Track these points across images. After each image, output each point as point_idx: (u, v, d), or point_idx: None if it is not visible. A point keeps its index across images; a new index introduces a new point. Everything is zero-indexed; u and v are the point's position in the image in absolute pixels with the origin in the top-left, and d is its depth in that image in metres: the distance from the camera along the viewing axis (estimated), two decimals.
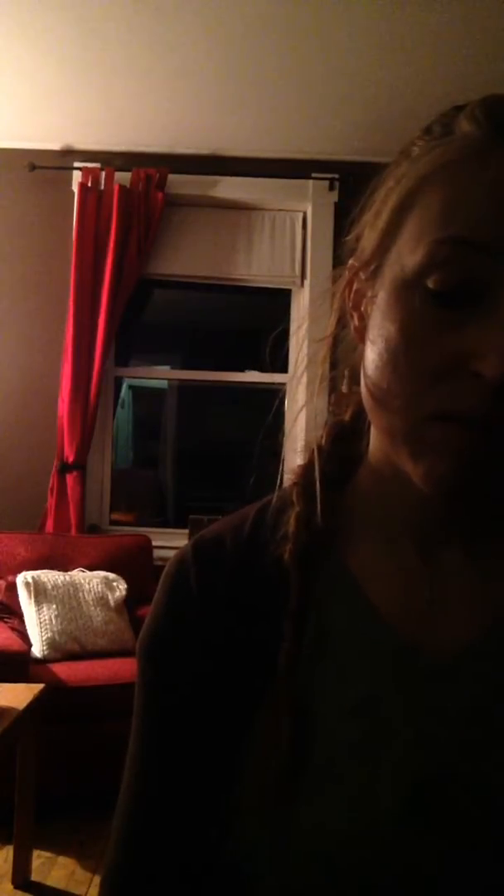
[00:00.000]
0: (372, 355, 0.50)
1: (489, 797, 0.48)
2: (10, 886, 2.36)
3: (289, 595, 0.53)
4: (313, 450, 0.59)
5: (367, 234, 0.53)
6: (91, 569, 3.40)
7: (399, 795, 0.48)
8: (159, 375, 4.84)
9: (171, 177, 3.82)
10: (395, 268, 0.49)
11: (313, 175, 3.88)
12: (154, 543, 3.67)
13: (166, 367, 4.77)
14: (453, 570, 0.54)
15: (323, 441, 0.59)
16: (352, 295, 0.55)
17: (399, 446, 0.49)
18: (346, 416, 0.61)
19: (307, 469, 0.59)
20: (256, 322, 4.65)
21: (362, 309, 0.54)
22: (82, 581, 3.29)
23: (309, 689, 0.52)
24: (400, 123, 3.43)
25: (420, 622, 0.52)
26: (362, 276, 0.53)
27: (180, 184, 3.86)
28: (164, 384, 5.05)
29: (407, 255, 0.48)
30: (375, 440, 0.56)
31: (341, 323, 0.57)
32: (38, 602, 3.13)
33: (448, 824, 0.48)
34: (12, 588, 3.23)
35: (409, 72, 3.13)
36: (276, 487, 0.61)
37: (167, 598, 0.58)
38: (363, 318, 0.54)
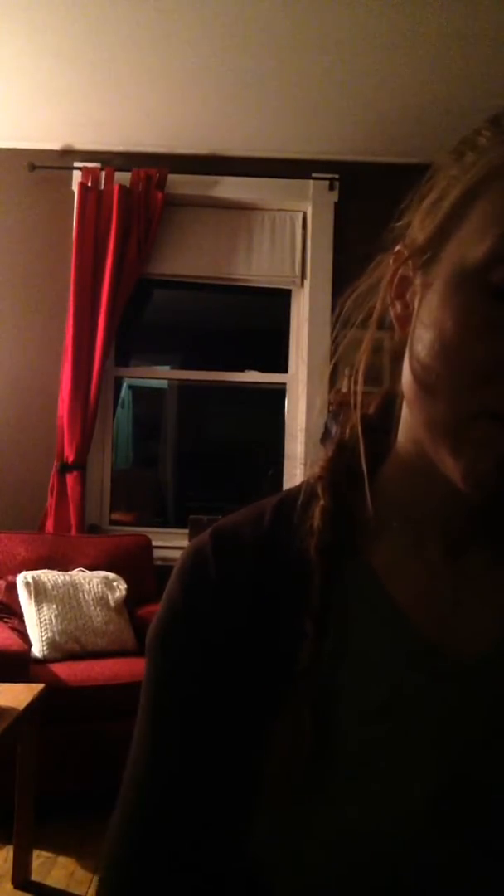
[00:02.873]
0: (422, 345, 0.48)
1: None
2: (10, 886, 2.36)
3: (311, 591, 0.52)
4: (339, 444, 0.58)
5: (423, 221, 0.51)
6: (91, 569, 3.40)
7: (425, 796, 0.48)
8: (159, 375, 4.83)
9: (171, 177, 3.82)
10: (454, 258, 0.48)
11: (313, 175, 3.88)
12: (154, 543, 3.67)
13: (166, 367, 4.76)
14: (479, 571, 0.53)
15: (348, 435, 0.57)
16: (396, 282, 0.53)
17: (439, 441, 0.48)
18: (371, 410, 0.59)
19: (333, 463, 0.57)
20: (256, 322, 4.66)
21: (406, 297, 0.52)
22: (82, 581, 3.29)
23: (331, 687, 0.51)
24: (400, 123, 3.44)
25: (444, 622, 0.52)
26: (411, 263, 0.52)
27: (180, 184, 3.86)
28: (164, 384, 5.05)
29: (469, 246, 0.47)
30: (409, 434, 0.54)
31: (344, 314, 0.56)
32: (38, 602, 3.13)
33: (474, 824, 0.47)
34: (12, 588, 3.23)
35: (410, 72, 3.13)
36: (283, 483, 0.59)
37: (184, 588, 0.56)
38: (407, 307, 0.52)
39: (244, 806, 0.51)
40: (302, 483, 0.58)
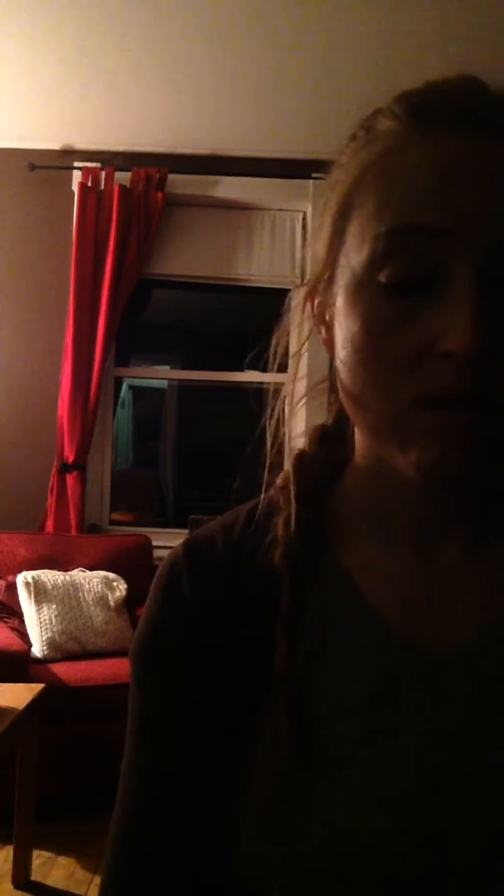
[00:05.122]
0: (340, 359, 0.50)
1: (501, 789, 0.48)
2: (10, 886, 2.36)
3: (281, 599, 0.53)
4: (298, 456, 0.60)
5: (316, 246, 0.54)
6: (91, 569, 3.40)
7: (412, 792, 0.48)
8: (159, 375, 4.84)
9: (171, 177, 3.82)
10: (345, 271, 0.50)
11: (313, 175, 3.87)
12: (154, 543, 3.67)
13: (166, 367, 4.76)
14: (452, 567, 0.53)
15: (307, 446, 0.60)
16: (315, 309, 0.56)
17: (385, 441, 0.49)
18: (329, 421, 0.61)
19: (295, 473, 0.59)
20: (256, 322, 4.65)
21: (327, 319, 0.55)
22: (82, 581, 3.29)
23: (311, 690, 0.51)
24: None
25: (420, 620, 0.52)
26: (320, 287, 0.54)
27: (180, 184, 3.86)
28: (164, 384, 5.05)
29: (354, 256, 0.49)
30: (361, 442, 0.56)
31: (310, 338, 0.58)
32: (38, 602, 3.13)
33: (464, 817, 0.48)
34: (12, 588, 3.23)
35: (410, 72, 3.12)
36: (263, 490, 0.61)
37: (160, 601, 0.58)
38: (330, 329, 0.54)
39: (233, 809, 0.52)
40: (271, 493, 0.60)
